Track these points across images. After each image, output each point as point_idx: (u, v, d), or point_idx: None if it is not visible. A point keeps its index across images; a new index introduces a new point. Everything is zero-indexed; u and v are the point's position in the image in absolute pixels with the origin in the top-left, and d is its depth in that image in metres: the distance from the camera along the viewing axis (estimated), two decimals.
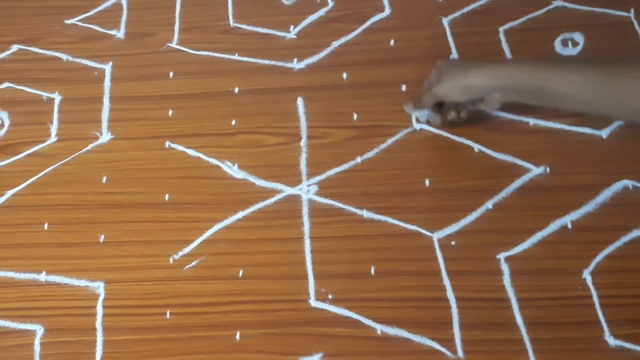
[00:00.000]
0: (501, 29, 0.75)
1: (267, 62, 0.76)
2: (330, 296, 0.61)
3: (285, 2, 0.81)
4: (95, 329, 0.61)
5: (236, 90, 0.74)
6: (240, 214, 0.66)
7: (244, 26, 0.79)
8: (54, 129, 0.73)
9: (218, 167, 0.69)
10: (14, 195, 0.69)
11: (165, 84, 0.75)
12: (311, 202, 0.66)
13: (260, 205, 0.66)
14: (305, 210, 0.65)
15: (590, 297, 0.59)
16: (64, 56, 0.78)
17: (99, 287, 0.63)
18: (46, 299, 0.63)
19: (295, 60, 0.75)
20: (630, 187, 0.64)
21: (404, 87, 0.71)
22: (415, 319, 0.59)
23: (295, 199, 0.66)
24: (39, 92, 0.76)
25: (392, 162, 0.67)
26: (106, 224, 0.66)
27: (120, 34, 0.80)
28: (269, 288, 0.62)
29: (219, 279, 0.62)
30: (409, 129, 0.69)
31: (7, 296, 0.63)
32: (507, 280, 0.60)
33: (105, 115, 0.73)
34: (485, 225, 0.63)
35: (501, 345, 0.57)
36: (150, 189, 0.68)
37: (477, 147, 0.67)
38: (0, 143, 0.73)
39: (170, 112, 0.73)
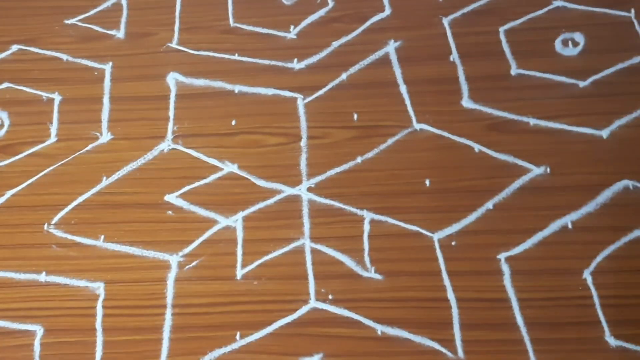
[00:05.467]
0: (501, 29, 0.75)
1: (267, 62, 0.76)
2: (330, 296, 0.61)
3: (285, 2, 0.80)
4: (95, 330, 0.61)
5: (236, 90, 0.74)
6: (240, 214, 0.66)
7: (244, 26, 0.79)
8: (53, 129, 0.73)
9: (218, 167, 0.69)
10: (13, 195, 0.69)
11: (165, 84, 0.75)
12: (311, 202, 0.66)
13: (261, 205, 0.66)
14: (305, 211, 0.65)
15: (591, 297, 0.59)
16: (64, 56, 0.78)
17: (99, 288, 0.63)
18: (46, 299, 0.63)
19: (296, 60, 0.75)
20: (631, 187, 0.63)
21: (404, 88, 0.71)
22: (416, 319, 0.59)
23: (295, 199, 0.66)
24: (39, 92, 0.76)
25: (392, 162, 0.67)
26: (106, 224, 0.66)
27: (120, 34, 0.80)
28: (269, 288, 0.62)
29: (219, 279, 0.62)
30: (409, 129, 0.69)
31: (7, 296, 0.63)
32: (507, 281, 0.60)
33: (105, 115, 0.73)
34: (486, 225, 0.63)
35: (501, 345, 0.57)
36: (150, 189, 0.68)
37: (477, 147, 0.67)
38: (0, 143, 0.73)
39: (171, 112, 0.73)
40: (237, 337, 0.59)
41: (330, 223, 0.65)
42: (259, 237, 0.64)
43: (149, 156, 0.70)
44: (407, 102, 0.71)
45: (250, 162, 0.69)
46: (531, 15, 0.75)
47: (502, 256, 0.61)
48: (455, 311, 0.59)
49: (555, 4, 0.76)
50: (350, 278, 0.61)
